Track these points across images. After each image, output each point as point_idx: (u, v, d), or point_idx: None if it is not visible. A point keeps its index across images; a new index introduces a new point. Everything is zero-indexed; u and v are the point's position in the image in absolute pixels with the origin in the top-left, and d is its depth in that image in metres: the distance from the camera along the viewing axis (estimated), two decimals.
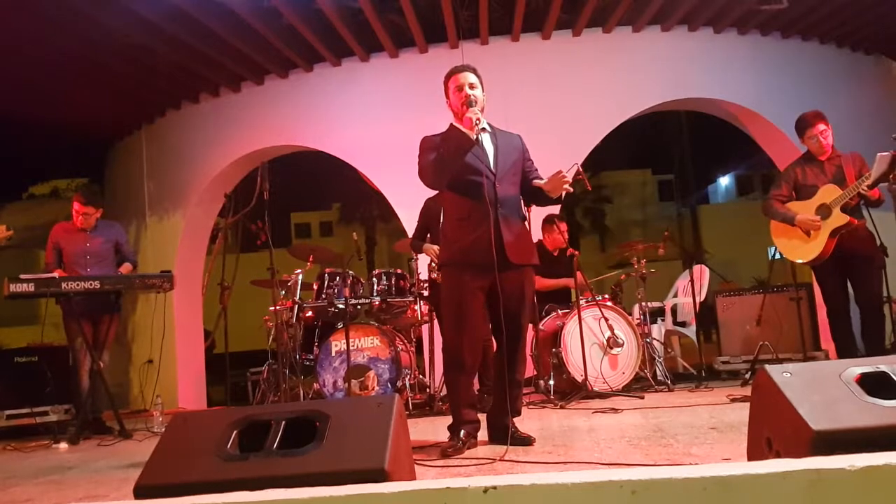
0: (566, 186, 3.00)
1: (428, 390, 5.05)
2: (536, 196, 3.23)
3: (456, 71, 3.18)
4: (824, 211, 4.16)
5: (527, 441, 3.01)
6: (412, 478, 1.92)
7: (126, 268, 5.14)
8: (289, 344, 5.10)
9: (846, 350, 4.21)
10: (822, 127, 4.29)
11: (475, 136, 2.96)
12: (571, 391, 4.86)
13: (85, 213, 5.06)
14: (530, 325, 5.12)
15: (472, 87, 3.12)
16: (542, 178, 3.21)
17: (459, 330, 3.05)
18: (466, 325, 3.03)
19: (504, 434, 2.97)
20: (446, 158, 3.01)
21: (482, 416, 3.21)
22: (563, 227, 5.59)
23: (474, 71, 3.18)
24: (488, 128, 3.16)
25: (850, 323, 4.28)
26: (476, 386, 5.20)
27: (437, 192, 4.69)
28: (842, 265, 4.21)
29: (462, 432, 3.00)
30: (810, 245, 4.21)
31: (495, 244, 2.96)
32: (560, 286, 5.57)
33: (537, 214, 4.93)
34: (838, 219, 4.09)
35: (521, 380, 3.20)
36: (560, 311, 5.31)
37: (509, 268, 3.01)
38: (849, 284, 4.29)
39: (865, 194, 3.99)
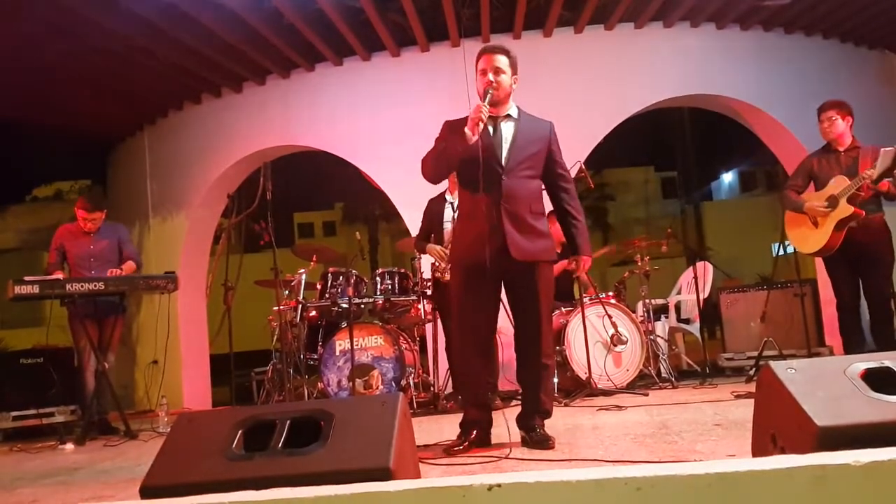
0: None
1: (432, 389, 5.05)
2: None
3: (484, 52, 2.97)
4: (832, 201, 4.12)
5: (545, 442, 2.86)
6: (417, 476, 1.92)
7: (129, 266, 5.05)
8: (293, 344, 5.11)
9: (854, 344, 4.19)
10: (831, 114, 4.25)
11: (476, 138, 2.80)
12: (575, 389, 4.86)
13: (92, 220, 5.07)
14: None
15: (498, 71, 2.91)
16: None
17: (462, 329, 3.03)
18: (468, 324, 3.00)
19: (528, 433, 2.93)
20: (441, 163, 2.95)
21: (498, 414, 3.17)
22: None
23: (506, 53, 2.96)
24: (514, 115, 3.01)
25: (860, 317, 4.24)
26: None
27: (438, 193, 4.71)
28: (852, 258, 4.17)
29: (471, 430, 2.98)
30: (817, 235, 4.18)
31: (498, 241, 2.86)
32: (559, 270, 5.52)
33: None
34: (843, 210, 4.05)
35: (550, 364, 3.02)
36: (564, 309, 5.30)
37: (515, 264, 2.89)
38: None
39: (878, 188, 3.94)
